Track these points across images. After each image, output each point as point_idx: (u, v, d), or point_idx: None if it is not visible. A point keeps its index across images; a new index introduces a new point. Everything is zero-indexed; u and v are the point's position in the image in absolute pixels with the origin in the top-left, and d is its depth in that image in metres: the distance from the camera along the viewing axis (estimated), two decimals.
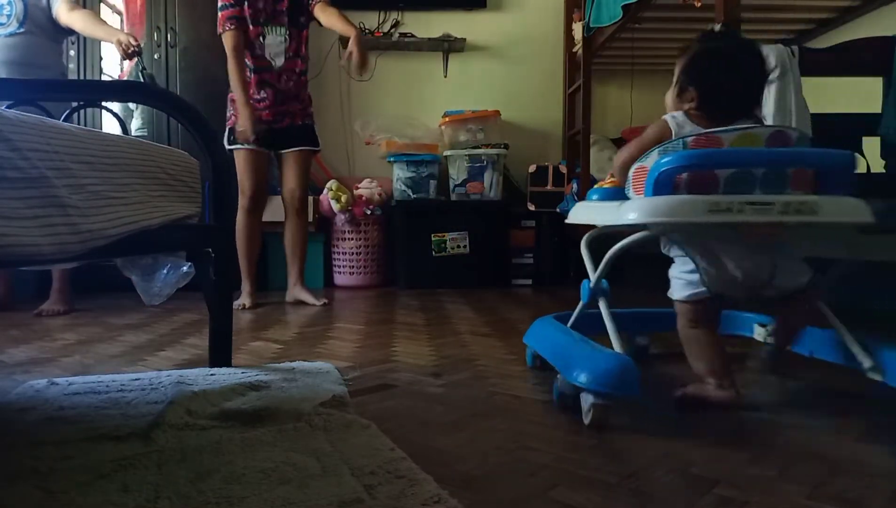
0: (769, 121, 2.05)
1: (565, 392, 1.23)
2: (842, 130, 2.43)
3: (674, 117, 1.33)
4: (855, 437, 1.09)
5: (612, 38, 3.39)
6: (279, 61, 2.73)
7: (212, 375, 1.43)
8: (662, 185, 1.18)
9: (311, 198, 3.52)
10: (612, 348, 1.23)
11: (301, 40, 2.78)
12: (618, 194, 1.40)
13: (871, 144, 2.46)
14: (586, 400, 1.13)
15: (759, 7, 3.11)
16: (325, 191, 3.57)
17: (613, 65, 3.93)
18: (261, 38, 2.69)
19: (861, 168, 2.54)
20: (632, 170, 1.33)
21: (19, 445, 1.00)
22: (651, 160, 1.24)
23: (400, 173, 3.67)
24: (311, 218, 3.51)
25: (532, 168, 3.85)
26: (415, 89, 4.14)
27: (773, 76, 2.07)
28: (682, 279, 1.30)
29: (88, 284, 3.01)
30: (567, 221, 1.62)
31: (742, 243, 1.26)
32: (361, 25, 3.99)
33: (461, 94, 4.09)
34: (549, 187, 3.79)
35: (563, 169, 3.81)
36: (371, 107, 4.08)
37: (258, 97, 2.76)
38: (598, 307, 1.35)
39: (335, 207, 3.50)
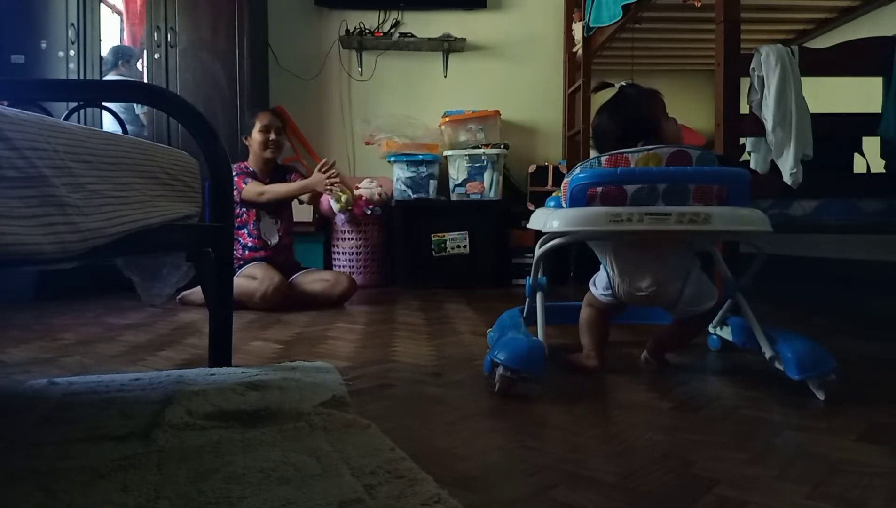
0: (770, 120, 2.06)
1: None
2: (842, 130, 2.43)
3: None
4: (855, 437, 1.09)
5: (612, 38, 3.39)
6: (273, 240, 2.97)
7: (212, 375, 1.43)
8: (576, 197, 1.36)
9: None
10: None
11: (289, 221, 3.08)
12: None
13: (872, 144, 2.46)
14: (498, 372, 1.34)
15: (759, 7, 3.11)
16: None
17: (613, 65, 3.93)
18: (257, 222, 2.94)
19: (861, 168, 2.54)
20: (563, 183, 1.48)
21: (19, 445, 1.00)
22: (573, 175, 1.40)
23: (400, 173, 3.67)
24: (311, 218, 3.57)
25: (532, 168, 3.85)
26: (415, 89, 4.14)
27: (773, 76, 2.08)
28: (605, 280, 1.52)
29: (88, 284, 3.01)
30: (527, 225, 1.71)
31: (653, 262, 1.43)
32: (361, 25, 4.00)
33: (461, 94, 4.09)
34: (549, 187, 3.78)
35: (563, 169, 3.80)
36: (371, 107, 4.08)
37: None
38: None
39: (335, 207, 3.49)
